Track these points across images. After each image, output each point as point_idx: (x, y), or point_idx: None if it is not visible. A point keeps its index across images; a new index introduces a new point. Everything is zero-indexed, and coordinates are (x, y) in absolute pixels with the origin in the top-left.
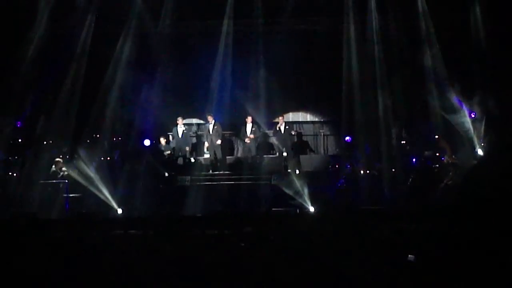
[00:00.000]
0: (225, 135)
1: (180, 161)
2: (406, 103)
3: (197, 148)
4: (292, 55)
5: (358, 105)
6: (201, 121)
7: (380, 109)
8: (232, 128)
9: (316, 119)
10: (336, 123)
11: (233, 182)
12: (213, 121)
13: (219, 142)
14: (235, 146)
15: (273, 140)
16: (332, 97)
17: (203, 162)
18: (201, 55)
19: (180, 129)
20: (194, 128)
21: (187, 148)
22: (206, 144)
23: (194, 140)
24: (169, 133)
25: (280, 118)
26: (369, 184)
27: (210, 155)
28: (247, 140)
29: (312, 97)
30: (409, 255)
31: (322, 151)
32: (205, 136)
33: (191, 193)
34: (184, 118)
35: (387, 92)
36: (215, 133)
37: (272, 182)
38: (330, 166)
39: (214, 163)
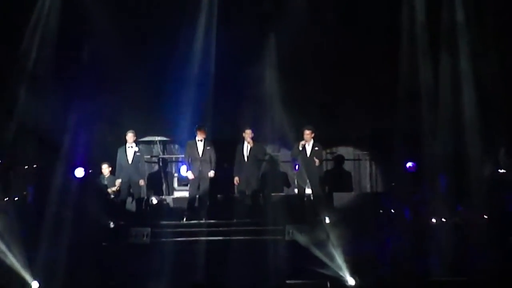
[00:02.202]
0: (224, 164)
1: (132, 203)
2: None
3: (162, 182)
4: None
5: (426, 113)
6: (166, 138)
7: (466, 118)
8: (224, 147)
9: (359, 136)
10: (390, 141)
11: (221, 238)
12: (203, 138)
13: (211, 174)
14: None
15: (294, 168)
16: (385, 102)
17: (172, 204)
18: (172, 30)
19: (131, 151)
20: (157, 149)
21: (141, 182)
22: (189, 175)
23: (155, 168)
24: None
25: (307, 132)
26: (446, 240)
27: (190, 192)
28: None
29: (353, 101)
30: None
31: (367, 186)
32: (188, 160)
33: (151, 256)
34: (138, 133)
35: (474, 90)
36: (206, 159)
37: (287, 237)
38: (380, 211)
39: (192, 207)
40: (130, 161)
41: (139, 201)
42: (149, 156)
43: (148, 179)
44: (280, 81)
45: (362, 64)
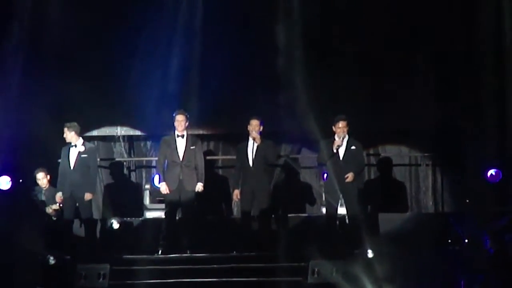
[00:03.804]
0: (218, 171)
1: (81, 228)
2: None
3: (127, 197)
4: None
5: None
6: (133, 132)
7: None
8: (222, 148)
9: (418, 130)
10: (463, 139)
11: (214, 280)
12: (185, 133)
13: (199, 187)
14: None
15: (322, 177)
16: (457, 82)
17: (141, 230)
18: None
19: (74, 152)
20: (119, 149)
21: (87, 196)
22: (162, 187)
23: (116, 176)
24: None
25: (341, 124)
26: None
27: (167, 213)
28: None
29: (408, 80)
30: None
31: (429, 203)
32: (163, 165)
33: None
34: (91, 124)
35: None
36: (190, 164)
37: (311, 279)
38: (448, 240)
39: (170, 234)
40: (72, 166)
41: (90, 225)
42: (107, 159)
43: (105, 192)
44: (302, 54)
45: (425, 28)
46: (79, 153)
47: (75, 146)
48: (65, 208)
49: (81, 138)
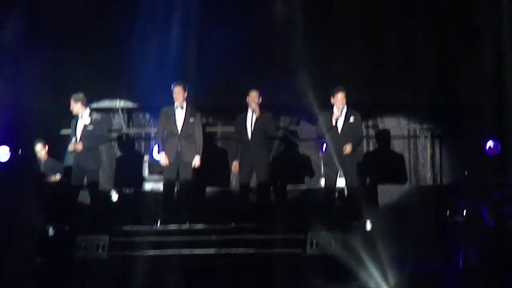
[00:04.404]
0: (217, 143)
1: (83, 197)
2: None
3: (126, 169)
4: None
5: None
6: (132, 104)
7: None
8: (221, 120)
9: (416, 102)
10: (462, 111)
11: (212, 251)
12: (185, 104)
13: (196, 161)
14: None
15: (320, 149)
16: (455, 53)
17: (140, 201)
18: None
19: (81, 123)
20: (118, 121)
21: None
22: (161, 158)
23: (115, 148)
24: (62, 133)
25: (339, 96)
26: None
27: (165, 184)
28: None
29: (407, 51)
30: None
31: (427, 175)
32: (162, 137)
33: (109, 277)
34: (91, 97)
35: None
36: (188, 136)
37: (310, 251)
38: (446, 213)
39: (170, 205)
40: (78, 138)
41: (92, 196)
42: (106, 131)
43: (105, 164)
44: (301, 23)
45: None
46: (85, 125)
47: (81, 118)
48: (72, 178)
49: (88, 109)
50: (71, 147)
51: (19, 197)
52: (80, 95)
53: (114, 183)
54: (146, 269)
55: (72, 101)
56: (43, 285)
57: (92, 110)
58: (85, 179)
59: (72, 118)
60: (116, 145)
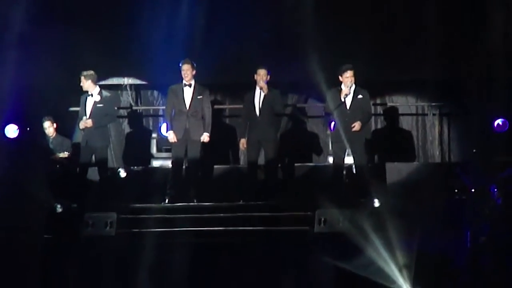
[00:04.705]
0: (224, 117)
1: (92, 175)
2: None
3: (134, 146)
4: None
5: None
6: (140, 81)
7: None
8: (229, 98)
9: (424, 79)
10: (470, 88)
11: (220, 229)
12: (193, 82)
13: (204, 137)
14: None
15: (328, 126)
16: (463, 30)
17: (149, 178)
18: None
19: (91, 100)
20: (126, 98)
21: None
22: (169, 135)
23: (123, 125)
24: (71, 110)
25: (348, 74)
26: None
27: (174, 161)
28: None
29: (414, 28)
30: None
31: (435, 153)
32: (170, 114)
33: (117, 254)
34: (99, 74)
35: None
36: (197, 113)
37: (318, 228)
38: (455, 190)
39: (177, 182)
40: (88, 116)
41: (101, 174)
42: (115, 107)
43: (113, 141)
44: (309, 6)
45: None
46: (95, 102)
47: (91, 95)
48: (81, 156)
49: (97, 87)
50: (81, 124)
51: (28, 174)
52: (91, 72)
53: (122, 160)
54: (154, 247)
55: (82, 78)
56: (51, 262)
57: (101, 88)
58: (94, 157)
59: (81, 96)
60: (124, 122)
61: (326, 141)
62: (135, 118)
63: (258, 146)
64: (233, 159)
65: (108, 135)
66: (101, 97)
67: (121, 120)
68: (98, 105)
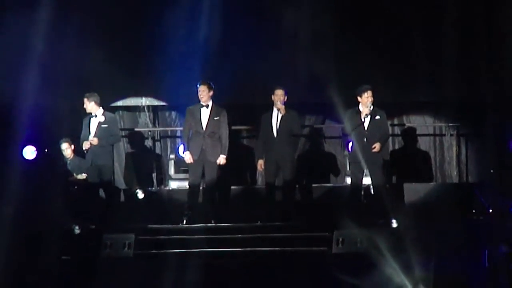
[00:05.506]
0: (242, 141)
1: (103, 198)
2: None
3: (152, 167)
4: None
5: None
6: (158, 102)
7: None
8: (247, 118)
9: (442, 100)
10: (488, 109)
11: (238, 250)
12: (210, 103)
13: (221, 160)
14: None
15: (346, 147)
16: (482, 50)
17: (166, 199)
18: None
19: (95, 121)
20: (144, 119)
21: (93, 141)
22: (186, 156)
23: (141, 146)
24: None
25: (367, 94)
26: None
27: (191, 183)
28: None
29: (434, 48)
30: None
31: (453, 173)
32: (188, 135)
33: (136, 275)
34: (117, 95)
35: None
36: (214, 134)
37: (336, 249)
38: (473, 211)
39: (195, 204)
40: (93, 136)
41: (114, 194)
42: (131, 129)
43: (130, 163)
44: (327, 21)
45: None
46: (100, 123)
47: (95, 116)
48: (88, 177)
49: (101, 108)
50: (85, 144)
51: (46, 195)
52: (94, 94)
53: (139, 181)
54: (172, 268)
55: (85, 100)
56: (69, 283)
57: (110, 109)
58: (99, 176)
59: (83, 117)
60: (140, 143)
61: (343, 162)
62: (152, 139)
63: (276, 167)
64: (251, 180)
65: (112, 155)
66: (105, 118)
67: (137, 140)
68: (103, 125)
